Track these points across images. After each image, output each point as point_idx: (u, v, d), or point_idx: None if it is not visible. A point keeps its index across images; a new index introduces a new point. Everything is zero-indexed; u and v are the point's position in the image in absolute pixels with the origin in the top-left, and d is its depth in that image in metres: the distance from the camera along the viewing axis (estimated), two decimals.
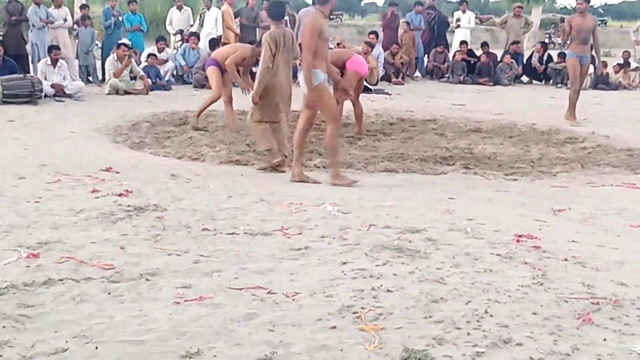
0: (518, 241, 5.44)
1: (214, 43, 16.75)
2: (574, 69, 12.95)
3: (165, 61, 17.07)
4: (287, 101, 8.92)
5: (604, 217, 6.67)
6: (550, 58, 20.20)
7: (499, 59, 19.98)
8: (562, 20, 27.77)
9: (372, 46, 18.34)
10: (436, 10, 22.22)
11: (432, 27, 20.81)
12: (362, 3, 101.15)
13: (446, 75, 19.91)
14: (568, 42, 13.15)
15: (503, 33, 22.99)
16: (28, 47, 16.30)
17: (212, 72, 11.24)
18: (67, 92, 14.03)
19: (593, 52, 13.15)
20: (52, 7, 16.66)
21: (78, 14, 18.65)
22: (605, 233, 6.08)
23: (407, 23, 20.38)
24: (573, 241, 5.62)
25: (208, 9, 18.89)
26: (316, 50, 7.58)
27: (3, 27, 16.73)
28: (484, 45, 20.47)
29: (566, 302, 4.19)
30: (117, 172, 7.83)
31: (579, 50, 12.80)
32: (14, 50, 15.29)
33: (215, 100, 11.28)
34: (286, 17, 17.60)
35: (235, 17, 18.91)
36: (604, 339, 3.74)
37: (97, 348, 3.54)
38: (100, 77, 17.00)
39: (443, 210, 6.49)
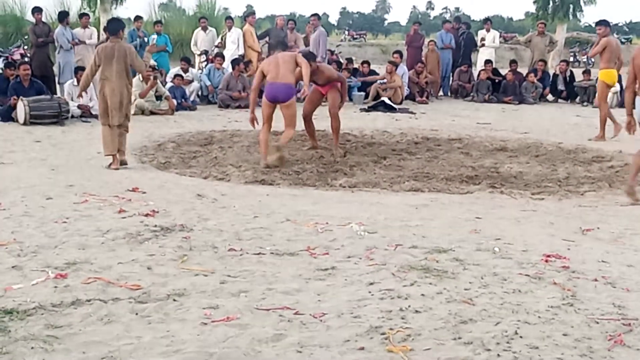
0: (547, 261, 5.38)
1: (236, 63, 16.93)
2: None
3: (191, 81, 17.18)
4: (117, 107, 9.69)
5: (633, 236, 6.59)
6: (572, 75, 20.11)
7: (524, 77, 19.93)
8: None
9: (396, 65, 18.45)
10: (469, 27, 22.18)
11: (459, 44, 20.74)
12: (386, 22, 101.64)
13: (471, 94, 19.86)
14: None
15: (527, 52, 22.95)
16: (55, 68, 16.47)
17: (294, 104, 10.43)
18: (93, 112, 14.12)
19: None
20: (80, 27, 16.84)
21: (103, 35, 18.83)
22: (634, 253, 6.00)
23: (434, 42, 20.39)
24: (602, 261, 5.55)
25: (229, 30, 19.04)
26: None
27: (30, 49, 16.96)
28: (513, 62, 20.37)
29: (597, 323, 4.14)
30: (144, 192, 7.86)
31: None
32: (41, 71, 15.49)
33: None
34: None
35: (264, 37, 19.03)
36: None
37: None
38: None
39: (470, 230, 6.45)
